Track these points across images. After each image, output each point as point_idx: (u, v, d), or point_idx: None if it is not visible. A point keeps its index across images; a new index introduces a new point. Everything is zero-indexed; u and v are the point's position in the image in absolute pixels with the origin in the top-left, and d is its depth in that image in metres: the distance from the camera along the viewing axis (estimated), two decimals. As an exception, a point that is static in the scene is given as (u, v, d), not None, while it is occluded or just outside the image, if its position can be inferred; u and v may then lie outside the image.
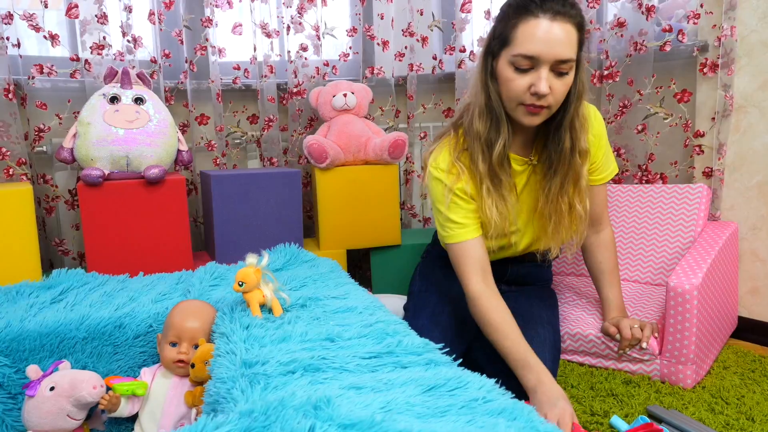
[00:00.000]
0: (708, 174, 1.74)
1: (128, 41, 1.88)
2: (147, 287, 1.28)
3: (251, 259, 1.09)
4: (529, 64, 1.12)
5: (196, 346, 1.04)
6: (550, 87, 1.12)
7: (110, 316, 1.11)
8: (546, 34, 1.10)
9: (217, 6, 2.07)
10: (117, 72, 1.66)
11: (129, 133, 1.59)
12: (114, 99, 1.62)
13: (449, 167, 1.28)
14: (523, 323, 1.39)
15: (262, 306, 1.08)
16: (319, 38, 2.12)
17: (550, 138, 1.25)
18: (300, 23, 2.11)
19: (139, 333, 1.12)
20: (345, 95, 1.95)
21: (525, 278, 1.56)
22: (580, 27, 1.15)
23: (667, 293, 1.37)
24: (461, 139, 1.29)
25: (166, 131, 1.66)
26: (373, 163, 1.93)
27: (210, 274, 1.34)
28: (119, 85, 1.64)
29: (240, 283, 1.05)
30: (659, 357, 1.39)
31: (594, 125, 1.34)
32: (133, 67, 1.89)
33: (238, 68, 2.15)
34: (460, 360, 0.88)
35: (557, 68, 1.12)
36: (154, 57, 1.95)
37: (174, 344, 1.05)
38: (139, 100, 1.64)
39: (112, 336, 1.10)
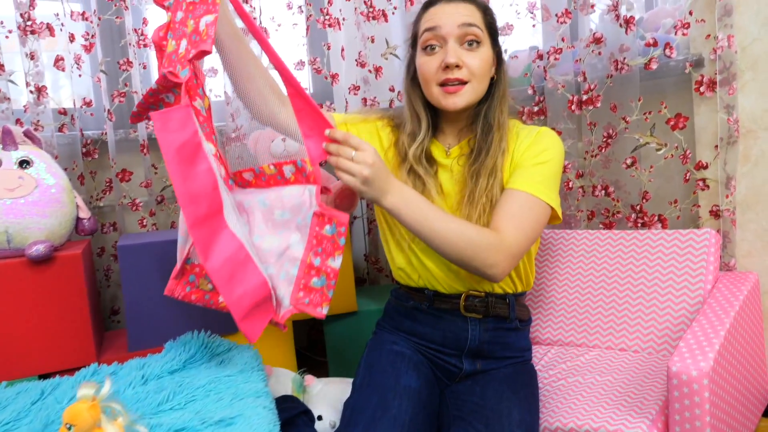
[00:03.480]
0: (716, 214, 1.43)
1: (31, 92, 1.64)
2: (-10, 410, 1.00)
3: (85, 389, 0.81)
4: (436, 40, 1.15)
5: None
6: (463, 60, 1.13)
7: None
8: (442, 10, 1.15)
9: (145, 45, 1.83)
10: (-3, 131, 1.41)
11: (9, 204, 1.33)
12: (-6, 163, 1.37)
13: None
14: (486, 427, 1.09)
15: (106, 451, 0.80)
16: (258, 75, 1.86)
17: (478, 131, 1.20)
18: (237, 60, 1.86)
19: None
20: (284, 140, 1.68)
21: (492, 348, 1.25)
22: (483, 8, 1.18)
23: (668, 381, 1.05)
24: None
25: (59, 198, 1.40)
26: (319, 216, 1.65)
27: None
28: (0, 146, 1.39)
29: (68, 425, 0.77)
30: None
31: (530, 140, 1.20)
32: (37, 121, 1.65)
33: (171, 114, 1.90)
34: None
35: (465, 38, 1.14)
36: (63, 108, 1.71)
37: None
38: (24, 163, 1.39)
39: None
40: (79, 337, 1.41)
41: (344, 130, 1.25)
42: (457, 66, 1.13)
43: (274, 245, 1.07)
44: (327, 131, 1.00)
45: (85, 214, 1.48)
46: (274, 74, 1.07)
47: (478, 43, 1.15)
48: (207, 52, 0.94)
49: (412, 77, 1.24)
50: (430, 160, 1.23)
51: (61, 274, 1.37)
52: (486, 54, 1.17)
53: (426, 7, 1.20)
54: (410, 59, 1.25)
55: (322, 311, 1.01)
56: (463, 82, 1.15)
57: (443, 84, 1.15)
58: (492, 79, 1.21)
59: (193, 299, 1.12)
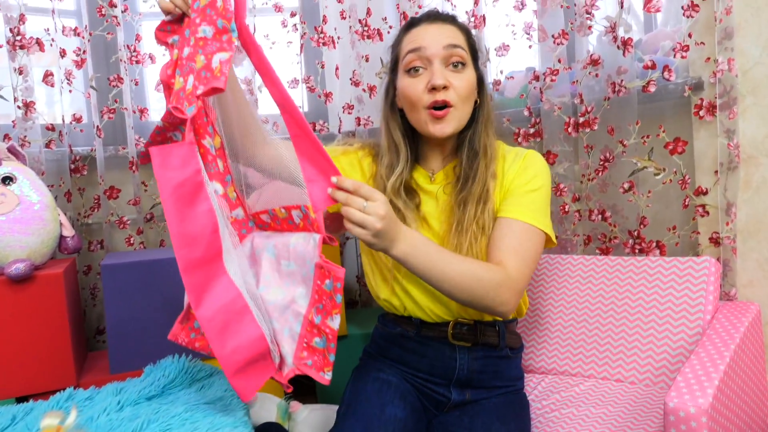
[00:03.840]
0: (716, 241, 1.38)
1: (18, 107, 1.62)
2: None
3: (49, 419, 0.77)
4: (420, 61, 1.10)
5: None
6: (450, 82, 1.09)
7: None
8: (426, 31, 1.12)
9: (138, 62, 1.82)
10: (-20, 147, 1.38)
11: (-10, 221, 1.30)
12: (-25, 180, 1.34)
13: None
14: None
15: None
16: (252, 93, 1.84)
17: (464, 158, 1.16)
18: (231, 77, 1.84)
19: None
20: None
21: (482, 377, 1.20)
22: (465, 31, 1.16)
23: (665, 417, 1.00)
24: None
25: (42, 216, 1.37)
26: (310, 237, 1.61)
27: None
28: (-17, 162, 1.37)
29: (25, 460, 0.73)
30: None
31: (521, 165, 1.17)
32: (24, 137, 1.62)
33: (163, 130, 1.87)
34: None
35: (450, 59, 1.10)
36: (51, 124, 1.68)
37: None
38: (7, 180, 1.36)
39: None
40: (58, 358, 1.38)
41: None
42: (444, 87, 1.09)
43: (279, 298, 1.01)
44: (334, 179, 0.92)
45: (68, 232, 1.45)
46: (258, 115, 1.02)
47: (463, 64, 1.12)
48: (220, 90, 0.88)
49: (391, 103, 1.19)
50: (411, 191, 1.19)
51: (41, 293, 1.34)
52: (470, 76, 1.13)
53: (407, 29, 1.16)
54: (389, 83, 1.20)
55: (325, 376, 0.94)
56: (449, 105, 1.10)
57: (430, 107, 1.10)
58: (475, 102, 1.17)
59: (197, 347, 1.04)
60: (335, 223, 1.21)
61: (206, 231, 0.88)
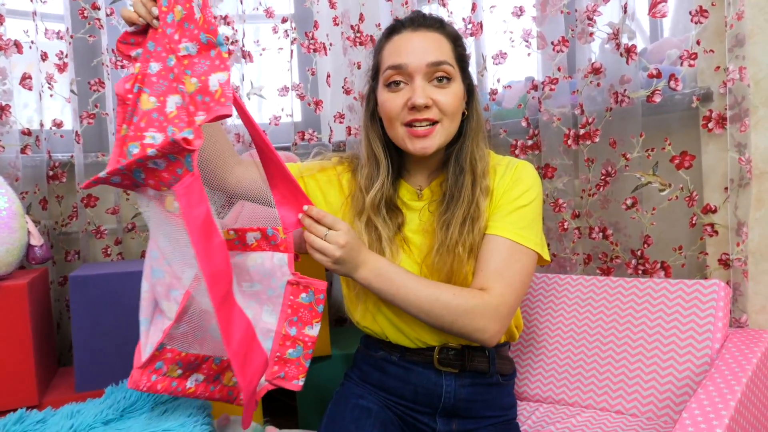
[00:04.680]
0: (726, 263, 1.29)
1: (-7, 110, 1.56)
2: None
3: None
4: (401, 76, 1.03)
5: None
6: (433, 99, 1.02)
7: None
8: (409, 42, 1.04)
9: (123, 67, 1.76)
10: (-54, 150, 1.32)
11: (-50, 229, 1.23)
12: (-62, 184, 1.27)
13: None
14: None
15: None
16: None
17: (450, 175, 1.09)
18: (219, 83, 1.78)
19: None
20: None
21: (470, 406, 1.11)
22: (453, 38, 1.08)
23: (669, 459, 0.91)
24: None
25: (8, 223, 1.30)
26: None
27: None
28: (-53, 166, 1.30)
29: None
30: None
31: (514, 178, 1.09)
32: (-1, 141, 1.56)
33: (148, 137, 1.81)
34: None
35: (434, 75, 1.03)
36: (27, 129, 1.62)
37: None
38: (-29, 185, 1.29)
39: None
40: (20, 375, 1.30)
41: (301, 184, 1.11)
42: (426, 106, 1.02)
43: (249, 317, 0.98)
44: (305, 207, 0.96)
45: (36, 241, 1.38)
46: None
47: (449, 79, 1.04)
48: (228, 116, 0.84)
49: (372, 113, 1.12)
50: (395, 209, 1.12)
51: (3, 306, 1.27)
52: (457, 89, 1.05)
53: (389, 36, 1.08)
54: (369, 92, 1.13)
55: (299, 383, 0.97)
56: (434, 122, 1.03)
57: (409, 124, 1.03)
58: (463, 114, 1.09)
59: (159, 388, 0.99)
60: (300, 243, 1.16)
61: (224, 263, 0.87)
